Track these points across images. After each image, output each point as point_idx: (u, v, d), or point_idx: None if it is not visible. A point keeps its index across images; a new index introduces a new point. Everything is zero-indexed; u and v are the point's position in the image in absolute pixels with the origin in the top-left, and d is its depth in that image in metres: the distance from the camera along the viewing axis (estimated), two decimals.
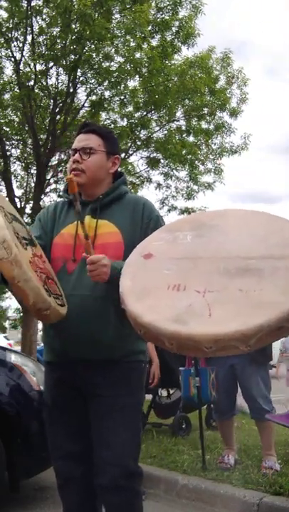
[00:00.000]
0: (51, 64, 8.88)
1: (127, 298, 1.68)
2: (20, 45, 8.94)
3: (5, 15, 8.78)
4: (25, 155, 10.73)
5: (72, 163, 2.08)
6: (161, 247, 1.84)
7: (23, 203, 10.92)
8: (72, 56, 8.58)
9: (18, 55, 8.98)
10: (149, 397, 5.41)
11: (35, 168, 9.91)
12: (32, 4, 8.42)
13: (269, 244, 1.74)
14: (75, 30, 8.31)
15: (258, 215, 1.93)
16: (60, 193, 2.32)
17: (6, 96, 9.43)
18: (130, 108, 9.72)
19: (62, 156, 10.19)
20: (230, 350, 1.51)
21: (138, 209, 2.08)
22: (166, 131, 10.26)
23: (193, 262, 1.76)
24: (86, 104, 9.58)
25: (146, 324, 1.57)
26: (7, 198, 10.07)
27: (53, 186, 10.60)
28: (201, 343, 1.48)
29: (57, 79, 9.24)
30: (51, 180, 10.33)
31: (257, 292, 1.57)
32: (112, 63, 8.85)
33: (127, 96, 9.23)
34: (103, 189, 2.11)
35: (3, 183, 10.15)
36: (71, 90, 9.14)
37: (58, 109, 9.34)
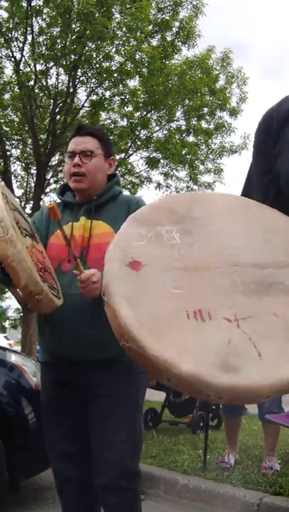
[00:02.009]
0: (51, 64, 8.89)
1: (141, 337, 1.26)
2: (21, 45, 8.95)
3: (5, 15, 8.80)
4: (25, 155, 10.74)
5: (73, 166, 2.06)
6: (147, 251, 1.45)
7: (23, 203, 10.93)
8: (72, 56, 8.58)
9: (18, 55, 9.00)
10: (161, 395, 5.51)
11: (35, 168, 9.92)
12: (32, 4, 8.42)
13: (274, 247, 1.50)
14: (76, 30, 8.32)
15: (248, 202, 1.64)
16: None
17: (6, 96, 9.44)
18: (130, 108, 9.73)
19: (63, 156, 10.20)
20: (285, 393, 1.31)
21: (132, 208, 2.07)
22: (166, 131, 10.26)
23: (200, 275, 1.41)
24: (86, 104, 9.59)
25: (186, 376, 1.20)
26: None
27: (53, 186, 10.61)
28: (263, 394, 1.23)
29: (57, 79, 9.26)
30: (51, 180, 10.34)
31: None
32: (113, 63, 8.86)
33: (127, 96, 9.24)
34: (98, 190, 2.11)
35: (3, 183, 10.16)
36: (71, 90, 9.14)
37: (58, 109, 9.34)
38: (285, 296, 1.37)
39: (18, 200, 10.60)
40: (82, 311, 1.94)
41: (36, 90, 9.02)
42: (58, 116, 9.37)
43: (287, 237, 1.52)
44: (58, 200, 2.22)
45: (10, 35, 8.98)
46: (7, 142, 10.08)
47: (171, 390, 5.44)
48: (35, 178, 9.95)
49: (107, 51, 8.64)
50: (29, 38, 8.82)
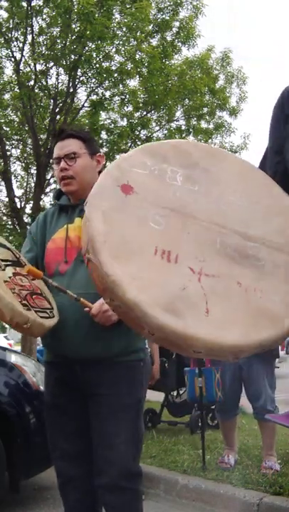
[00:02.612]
0: (51, 64, 8.90)
1: (101, 250, 1.29)
2: (21, 45, 8.96)
3: (5, 15, 8.81)
4: (25, 155, 10.75)
5: (60, 171, 2.08)
6: (145, 182, 1.45)
7: (23, 203, 10.94)
8: (72, 56, 8.58)
9: (18, 55, 9.01)
10: (160, 395, 5.51)
11: (35, 168, 9.92)
12: (32, 4, 8.43)
13: (271, 225, 1.50)
14: (76, 30, 8.32)
15: (257, 174, 1.62)
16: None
17: (6, 96, 9.45)
18: (130, 108, 9.74)
19: None
20: (218, 357, 1.36)
21: None
22: (166, 131, 10.26)
23: (184, 220, 1.42)
24: (86, 104, 9.60)
25: (127, 302, 1.24)
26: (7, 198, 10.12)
27: (53, 186, 10.60)
28: (191, 347, 1.26)
29: (57, 79, 9.27)
30: (51, 180, 10.33)
31: (258, 294, 1.36)
32: (113, 63, 8.86)
33: (127, 96, 9.24)
34: (90, 189, 2.12)
35: (3, 183, 10.16)
36: (71, 90, 9.14)
37: (58, 109, 9.34)
38: (257, 273, 1.38)
39: (18, 200, 10.62)
40: (81, 310, 1.94)
41: (36, 90, 9.03)
42: (58, 116, 9.37)
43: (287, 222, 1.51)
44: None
45: (10, 35, 8.98)
46: (7, 142, 10.08)
47: (170, 390, 5.46)
48: (35, 178, 9.94)
49: (107, 51, 8.65)
50: (29, 38, 8.84)
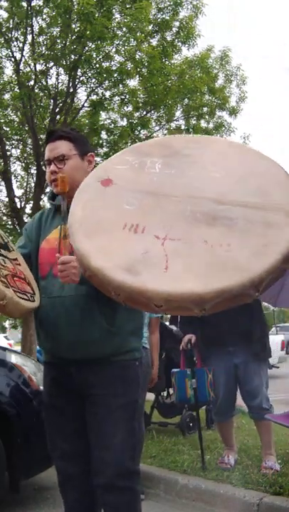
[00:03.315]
0: (51, 64, 8.89)
1: (76, 232, 1.50)
2: (21, 45, 8.96)
3: (5, 15, 8.81)
4: (25, 155, 10.74)
5: (51, 174, 2.08)
6: (124, 174, 1.63)
7: (23, 203, 10.94)
8: (72, 56, 8.58)
9: (18, 55, 9.00)
10: (151, 396, 5.44)
11: (35, 168, 9.92)
12: (32, 4, 8.43)
13: (247, 189, 1.56)
14: (76, 30, 8.32)
15: (240, 151, 1.71)
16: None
17: (6, 96, 9.45)
18: (130, 108, 9.74)
19: None
20: (183, 311, 1.40)
21: None
22: (166, 131, 10.26)
23: (158, 199, 1.55)
24: (86, 104, 9.59)
25: (93, 269, 1.42)
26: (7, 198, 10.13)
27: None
28: (150, 300, 1.34)
29: (57, 79, 9.27)
30: None
31: (223, 248, 1.41)
32: (113, 63, 8.86)
33: (127, 96, 9.24)
34: None
35: (3, 183, 10.16)
36: (71, 90, 9.14)
37: (58, 109, 9.34)
38: (225, 230, 1.46)
39: (18, 200, 10.62)
40: (75, 312, 1.95)
41: (36, 90, 9.02)
42: (58, 116, 9.37)
43: (266, 184, 1.57)
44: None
45: (10, 35, 8.98)
46: (7, 142, 10.08)
47: (160, 391, 5.38)
48: (35, 178, 9.94)
49: (107, 51, 8.64)
50: (29, 38, 8.84)
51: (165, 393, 5.57)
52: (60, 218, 2.11)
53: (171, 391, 5.52)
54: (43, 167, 9.42)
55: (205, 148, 1.71)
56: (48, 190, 10.35)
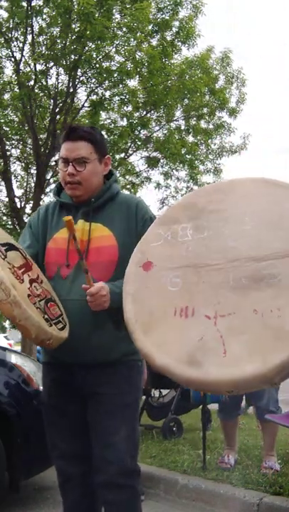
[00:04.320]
0: (51, 64, 8.89)
1: (134, 330, 1.54)
2: (21, 45, 8.97)
3: (5, 15, 8.81)
4: (25, 155, 10.74)
5: (67, 175, 1.99)
6: (161, 251, 1.63)
7: (23, 203, 10.94)
8: (72, 56, 8.58)
9: (18, 55, 9.02)
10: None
11: (35, 168, 9.92)
12: (32, 4, 8.43)
13: (282, 233, 1.49)
14: (76, 30, 8.32)
15: (265, 187, 1.62)
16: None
17: (6, 96, 9.45)
18: (130, 108, 9.73)
19: None
20: (254, 389, 1.42)
21: (131, 209, 2.04)
22: (166, 131, 10.26)
23: (198, 272, 1.53)
24: (86, 104, 9.60)
25: (159, 367, 1.45)
26: (7, 198, 10.13)
27: (53, 186, 10.59)
28: (220, 389, 1.38)
29: (57, 79, 9.26)
30: (51, 180, 10.33)
31: (275, 313, 1.36)
32: (113, 63, 8.86)
33: (127, 96, 9.23)
34: (96, 191, 2.07)
35: (3, 183, 10.16)
36: (71, 90, 9.14)
37: (58, 109, 9.34)
38: (272, 292, 1.41)
39: (18, 200, 10.62)
40: (83, 316, 1.93)
41: (36, 90, 9.02)
42: (58, 116, 9.37)
43: None
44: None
45: (10, 35, 8.99)
46: (7, 142, 10.08)
47: (150, 392, 5.27)
48: (35, 178, 9.94)
49: (107, 51, 8.65)
50: (29, 38, 8.84)
51: (157, 394, 5.46)
52: (65, 216, 2.07)
53: (164, 392, 5.45)
54: (43, 167, 9.44)
55: (229, 197, 1.65)
56: (48, 190, 10.37)
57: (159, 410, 5.23)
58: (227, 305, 1.44)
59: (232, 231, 1.56)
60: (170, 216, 1.72)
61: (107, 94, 9.27)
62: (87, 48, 8.45)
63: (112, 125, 9.79)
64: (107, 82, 8.90)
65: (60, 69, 9.06)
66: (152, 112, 10.07)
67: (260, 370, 1.30)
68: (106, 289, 1.84)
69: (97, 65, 8.69)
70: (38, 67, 8.95)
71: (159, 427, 4.98)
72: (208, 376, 1.35)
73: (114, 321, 1.91)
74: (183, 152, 10.09)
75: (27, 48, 9.00)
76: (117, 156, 10.00)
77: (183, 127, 10.40)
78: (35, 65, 8.87)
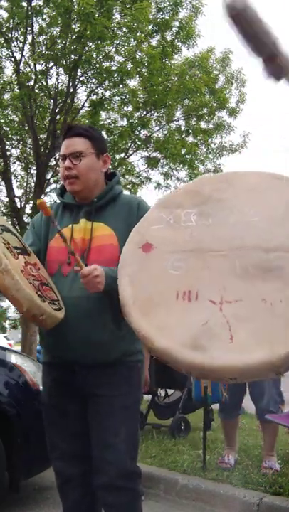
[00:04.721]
0: (51, 64, 8.89)
1: (131, 311, 1.46)
2: (21, 45, 8.96)
3: (5, 15, 8.81)
4: (25, 155, 10.74)
5: (65, 170, 2.05)
6: (162, 234, 1.58)
7: (23, 203, 10.93)
8: (73, 56, 8.58)
9: (18, 55, 9.01)
10: (148, 397, 5.42)
11: (35, 168, 9.92)
12: (32, 4, 8.42)
13: None
14: (76, 30, 8.32)
15: (273, 181, 1.60)
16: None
17: (6, 96, 9.44)
18: (130, 108, 9.73)
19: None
20: (258, 378, 1.38)
21: (132, 209, 2.06)
22: (166, 131, 10.26)
23: (203, 257, 1.48)
24: (86, 104, 9.59)
25: (158, 350, 1.38)
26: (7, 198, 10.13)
27: (53, 186, 10.60)
28: (224, 375, 1.32)
29: (57, 79, 9.26)
30: (51, 180, 10.33)
31: (284, 304, 1.34)
32: (113, 63, 8.86)
33: (127, 96, 9.23)
34: (97, 191, 2.09)
35: (3, 183, 10.16)
36: (71, 90, 9.14)
37: (58, 109, 9.33)
38: (281, 282, 1.38)
39: (18, 200, 10.61)
40: (84, 313, 1.94)
41: (36, 90, 9.02)
42: (58, 116, 9.36)
43: None
44: (57, 200, 2.21)
45: (10, 35, 8.98)
46: (7, 142, 10.07)
47: (157, 392, 5.36)
48: (35, 178, 9.94)
49: (107, 51, 8.64)
50: (29, 38, 8.84)
51: (163, 393, 5.53)
52: (69, 216, 2.10)
53: (169, 392, 5.51)
54: (43, 167, 9.45)
55: (235, 187, 1.62)
56: (48, 190, 10.37)
57: (166, 409, 5.32)
58: (234, 291, 1.40)
59: (238, 221, 1.53)
60: (173, 200, 1.68)
61: (107, 94, 9.27)
62: (87, 48, 8.44)
63: (112, 125, 9.79)
64: (107, 82, 8.89)
65: (60, 69, 9.06)
66: (152, 112, 10.07)
67: (269, 357, 1.27)
68: (99, 270, 1.83)
69: (97, 65, 8.69)
70: (38, 67, 8.96)
71: (166, 426, 5.08)
72: (213, 361, 1.30)
73: (113, 313, 1.89)
74: (183, 152, 10.09)
75: (27, 47, 9.01)
76: (117, 156, 10.00)
77: (183, 127, 10.40)
78: (35, 65, 8.87)
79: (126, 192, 8.96)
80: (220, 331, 1.34)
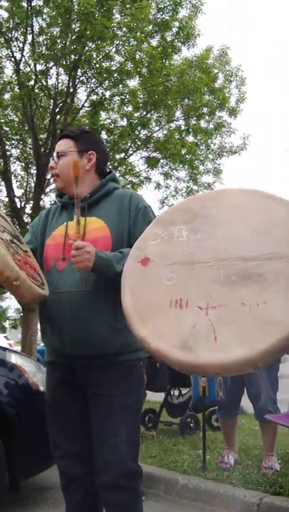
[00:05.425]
0: (51, 64, 8.88)
1: (132, 320, 1.67)
2: (21, 45, 8.95)
3: (5, 15, 8.80)
4: (25, 155, 10.74)
5: (50, 169, 2.20)
6: (158, 249, 1.79)
7: (23, 203, 10.94)
8: (72, 56, 8.57)
9: (18, 55, 8.99)
10: (161, 396, 5.52)
11: (35, 168, 9.91)
12: (32, 4, 8.42)
13: (271, 240, 1.67)
14: (76, 30, 8.31)
15: (253, 198, 1.82)
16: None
17: (6, 96, 9.44)
18: (130, 108, 9.73)
19: None
20: (239, 372, 1.55)
21: (125, 201, 2.12)
22: (166, 131, 10.26)
23: (192, 268, 1.71)
24: (86, 104, 9.59)
25: (154, 351, 1.59)
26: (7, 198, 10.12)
27: (53, 186, 10.59)
28: (208, 371, 1.52)
29: (57, 79, 9.25)
30: (51, 180, 10.32)
31: (260, 307, 1.53)
32: (113, 63, 8.86)
33: (127, 96, 9.23)
34: (89, 187, 2.15)
35: (3, 183, 10.16)
36: (71, 90, 9.13)
37: (58, 109, 9.33)
38: (259, 287, 1.58)
39: (18, 200, 10.62)
40: (78, 307, 1.96)
41: (36, 90, 9.01)
42: (58, 116, 9.36)
43: (286, 232, 1.68)
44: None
45: (10, 35, 8.97)
46: (7, 142, 10.07)
47: (170, 390, 5.45)
48: (35, 178, 9.94)
49: (107, 51, 8.64)
50: (29, 38, 8.82)
51: (177, 392, 5.60)
52: (66, 215, 2.16)
53: (183, 391, 5.56)
54: (43, 167, 9.44)
55: (220, 203, 1.85)
56: (48, 190, 10.37)
57: (179, 408, 5.45)
58: (217, 298, 1.60)
59: (223, 235, 1.74)
60: (167, 218, 1.89)
61: (107, 94, 9.26)
62: (87, 48, 8.44)
63: (112, 125, 9.78)
64: (107, 82, 8.88)
65: (60, 69, 9.05)
66: (152, 112, 10.07)
67: (248, 355, 1.45)
68: (92, 248, 1.88)
69: (97, 65, 8.68)
70: (38, 67, 8.94)
71: (176, 424, 5.20)
72: (198, 359, 1.50)
73: (109, 305, 1.94)
74: (183, 152, 10.09)
75: (27, 47, 9.00)
76: (117, 156, 10.00)
77: (183, 127, 10.40)
78: (35, 65, 8.86)
79: None
80: (205, 333, 1.54)
